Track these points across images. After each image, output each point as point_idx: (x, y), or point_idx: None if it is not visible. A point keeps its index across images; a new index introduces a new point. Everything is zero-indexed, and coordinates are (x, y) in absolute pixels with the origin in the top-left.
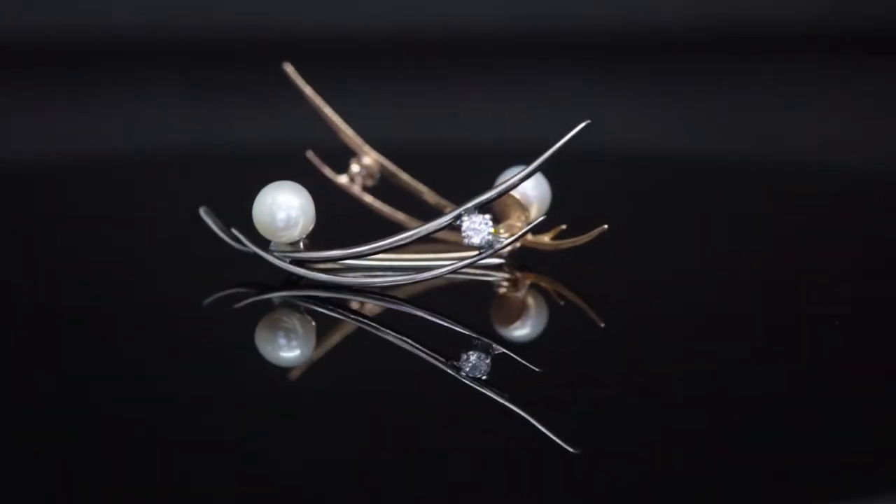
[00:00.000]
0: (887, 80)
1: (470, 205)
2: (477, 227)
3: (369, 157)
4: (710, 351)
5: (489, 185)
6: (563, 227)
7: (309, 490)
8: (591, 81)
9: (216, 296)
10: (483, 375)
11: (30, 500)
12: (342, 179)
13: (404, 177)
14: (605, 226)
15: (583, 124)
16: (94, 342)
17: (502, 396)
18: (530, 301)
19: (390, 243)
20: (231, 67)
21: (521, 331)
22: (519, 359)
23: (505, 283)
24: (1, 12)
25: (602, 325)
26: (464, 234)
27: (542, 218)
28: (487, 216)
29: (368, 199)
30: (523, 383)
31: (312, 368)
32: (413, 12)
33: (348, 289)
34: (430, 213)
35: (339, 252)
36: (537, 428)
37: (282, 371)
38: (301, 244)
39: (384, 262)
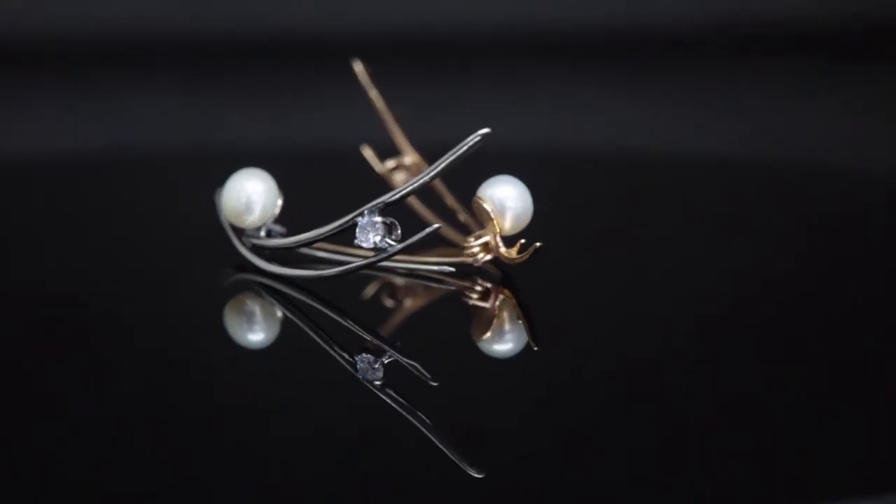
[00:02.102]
0: (888, 80)
1: (370, 205)
2: (367, 229)
3: (410, 158)
4: (700, 353)
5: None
6: (523, 241)
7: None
8: (591, 82)
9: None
10: (376, 381)
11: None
12: (389, 164)
13: (437, 184)
14: (538, 243)
15: (483, 131)
16: (92, 342)
17: (404, 408)
18: (498, 314)
19: (315, 235)
20: (231, 67)
21: (497, 345)
22: (416, 370)
23: (474, 295)
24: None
25: (535, 348)
26: (356, 235)
27: (436, 226)
28: (378, 219)
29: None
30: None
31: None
32: (413, 12)
33: (284, 278)
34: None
35: (287, 240)
36: (440, 447)
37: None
38: (264, 231)
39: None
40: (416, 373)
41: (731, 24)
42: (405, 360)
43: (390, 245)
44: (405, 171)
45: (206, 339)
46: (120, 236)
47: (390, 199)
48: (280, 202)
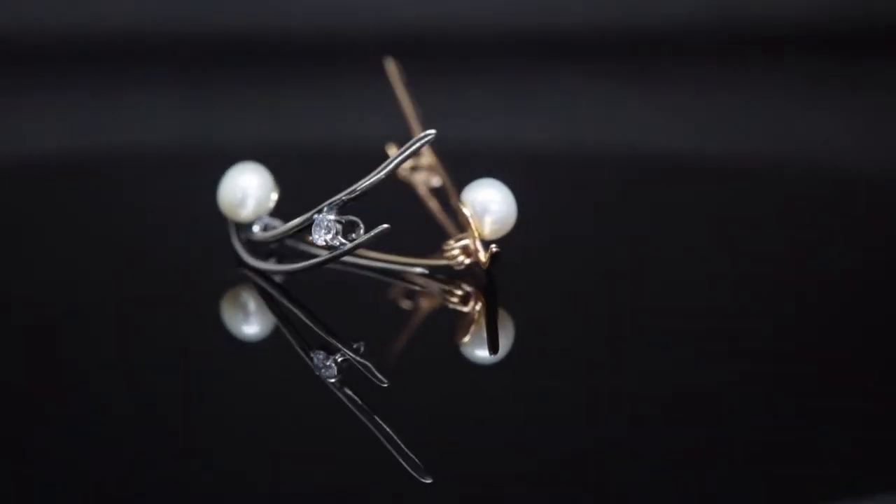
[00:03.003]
0: (890, 80)
1: (328, 202)
2: (320, 227)
3: (427, 159)
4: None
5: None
6: (494, 247)
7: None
8: (590, 82)
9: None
10: (331, 378)
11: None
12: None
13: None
14: (494, 247)
15: (430, 132)
16: (91, 340)
17: (357, 407)
18: (478, 318)
19: (281, 232)
20: (231, 67)
21: (475, 350)
22: (368, 371)
23: (454, 299)
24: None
25: (492, 355)
26: (311, 232)
27: (385, 227)
28: (332, 217)
29: (422, 189)
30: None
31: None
32: (413, 12)
33: (260, 272)
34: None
35: (263, 235)
36: (390, 450)
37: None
38: (258, 226)
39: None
40: (367, 374)
41: (732, 23)
42: (358, 359)
43: (342, 243)
44: (424, 171)
45: (199, 336)
46: (120, 236)
47: (346, 197)
48: (275, 196)
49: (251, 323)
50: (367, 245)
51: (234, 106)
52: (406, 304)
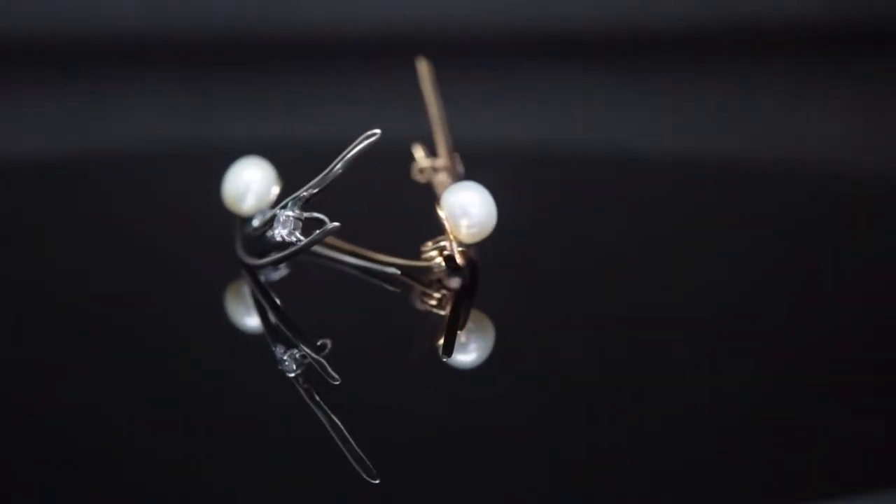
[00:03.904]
0: (888, 80)
1: (287, 200)
2: (279, 222)
3: (442, 161)
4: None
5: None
6: (447, 252)
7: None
8: (590, 82)
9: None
10: (288, 373)
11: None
12: (425, 163)
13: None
14: (447, 252)
15: (373, 132)
16: (93, 340)
17: (314, 403)
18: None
19: (255, 228)
20: (231, 66)
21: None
22: (321, 367)
23: (432, 301)
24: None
25: (444, 359)
26: (272, 227)
27: (335, 224)
28: (290, 214)
29: (441, 190)
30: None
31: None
32: (413, 12)
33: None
34: None
35: (247, 230)
36: (341, 447)
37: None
38: (258, 220)
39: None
40: (320, 370)
41: (733, 23)
42: (313, 356)
43: (298, 240)
44: (443, 173)
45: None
46: (120, 236)
47: (307, 193)
48: (276, 190)
49: (238, 317)
50: (320, 242)
51: (234, 106)
52: (422, 305)
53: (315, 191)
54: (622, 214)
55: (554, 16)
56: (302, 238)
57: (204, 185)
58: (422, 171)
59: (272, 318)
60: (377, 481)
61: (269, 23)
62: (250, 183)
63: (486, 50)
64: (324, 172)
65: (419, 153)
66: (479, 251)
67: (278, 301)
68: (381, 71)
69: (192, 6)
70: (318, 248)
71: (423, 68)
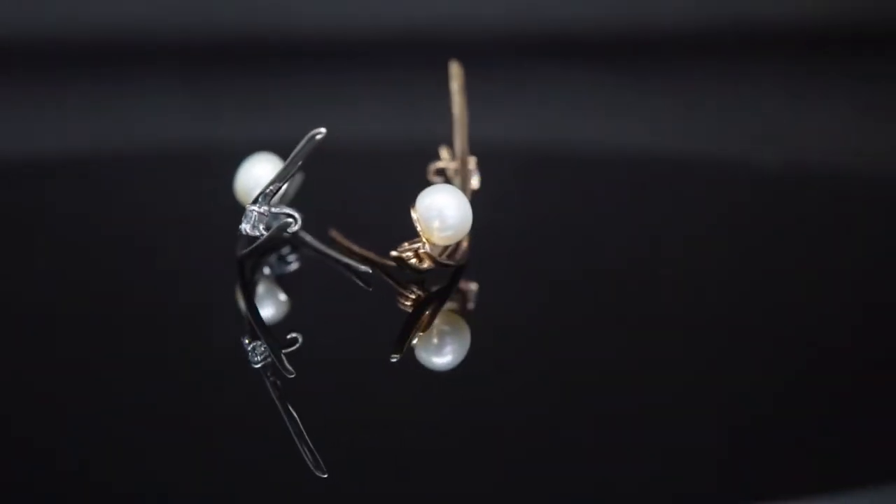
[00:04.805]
0: (888, 80)
1: (260, 193)
2: (246, 217)
3: (455, 164)
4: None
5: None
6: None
7: None
8: (590, 82)
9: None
10: (255, 364)
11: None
12: (440, 165)
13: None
14: (393, 254)
15: (319, 130)
16: (95, 340)
17: (276, 394)
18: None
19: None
20: (231, 66)
21: (424, 354)
22: (277, 360)
23: (407, 302)
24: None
25: (392, 359)
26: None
27: (290, 221)
28: (254, 209)
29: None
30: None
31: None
32: (412, 13)
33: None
34: None
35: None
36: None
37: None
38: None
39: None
40: (277, 364)
41: (733, 23)
42: (272, 349)
43: (261, 234)
44: (456, 176)
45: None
46: (120, 235)
47: (269, 190)
48: (284, 185)
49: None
50: (280, 237)
51: (235, 106)
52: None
53: (276, 187)
54: (622, 214)
55: (554, 16)
56: (265, 232)
57: (204, 185)
58: (437, 171)
59: (245, 310)
60: (325, 475)
61: (270, 23)
62: (259, 178)
63: (487, 50)
64: (280, 169)
65: (444, 154)
66: (474, 251)
67: (258, 292)
68: (381, 71)
69: (194, 7)
70: (307, 241)
71: (456, 70)
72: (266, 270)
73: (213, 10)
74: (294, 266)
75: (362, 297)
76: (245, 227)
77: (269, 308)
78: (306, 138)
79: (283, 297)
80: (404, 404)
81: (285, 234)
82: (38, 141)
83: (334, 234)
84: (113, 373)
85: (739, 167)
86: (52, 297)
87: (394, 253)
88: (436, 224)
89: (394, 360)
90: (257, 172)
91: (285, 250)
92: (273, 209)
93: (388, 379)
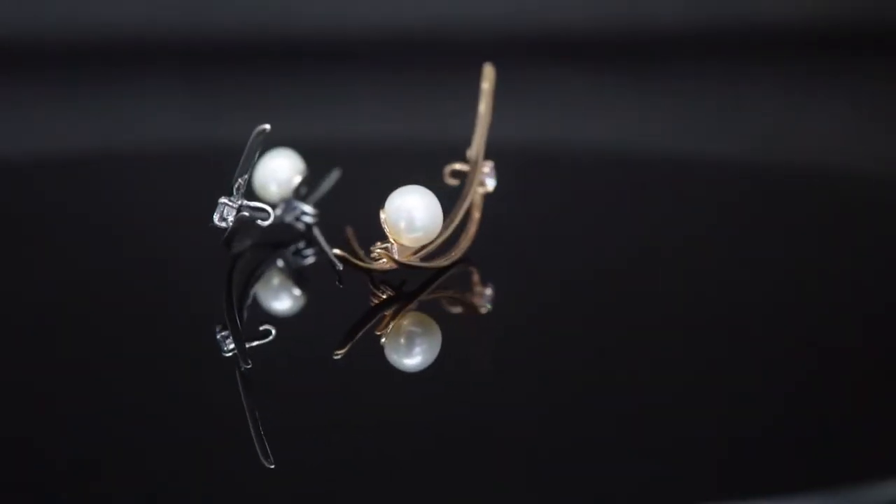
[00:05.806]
0: (888, 80)
1: (234, 186)
2: (217, 209)
3: (463, 165)
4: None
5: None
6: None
7: None
8: (590, 82)
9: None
10: (226, 353)
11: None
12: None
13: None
14: (339, 257)
15: (263, 127)
16: (95, 339)
17: (243, 384)
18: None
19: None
20: (231, 66)
21: (393, 354)
22: (240, 351)
23: (377, 301)
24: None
25: (335, 356)
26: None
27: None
28: (224, 200)
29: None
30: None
31: None
32: (412, 14)
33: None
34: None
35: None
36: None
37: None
38: (280, 208)
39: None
40: (238, 353)
41: (733, 24)
42: (239, 339)
43: (228, 226)
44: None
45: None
46: (120, 235)
47: (235, 183)
48: (297, 179)
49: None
50: (238, 226)
51: (236, 106)
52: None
53: (240, 180)
54: (622, 214)
55: (554, 17)
56: (231, 224)
57: (205, 185)
58: (453, 173)
59: (225, 301)
60: (272, 466)
61: (270, 23)
62: (274, 171)
63: (487, 51)
64: (239, 164)
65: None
66: (474, 251)
67: (237, 283)
68: (382, 72)
69: (194, 7)
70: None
71: (489, 72)
72: (280, 263)
73: (213, 10)
74: (310, 260)
75: (363, 298)
76: (215, 217)
77: (284, 301)
78: (253, 135)
79: (296, 291)
80: (405, 404)
81: (259, 224)
82: (38, 141)
83: (349, 232)
84: (113, 373)
85: (739, 167)
86: (52, 296)
87: (337, 251)
88: (402, 225)
89: (336, 356)
90: (273, 167)
91: (301, 244)
92: (249, 203)
93: (387, 379)
